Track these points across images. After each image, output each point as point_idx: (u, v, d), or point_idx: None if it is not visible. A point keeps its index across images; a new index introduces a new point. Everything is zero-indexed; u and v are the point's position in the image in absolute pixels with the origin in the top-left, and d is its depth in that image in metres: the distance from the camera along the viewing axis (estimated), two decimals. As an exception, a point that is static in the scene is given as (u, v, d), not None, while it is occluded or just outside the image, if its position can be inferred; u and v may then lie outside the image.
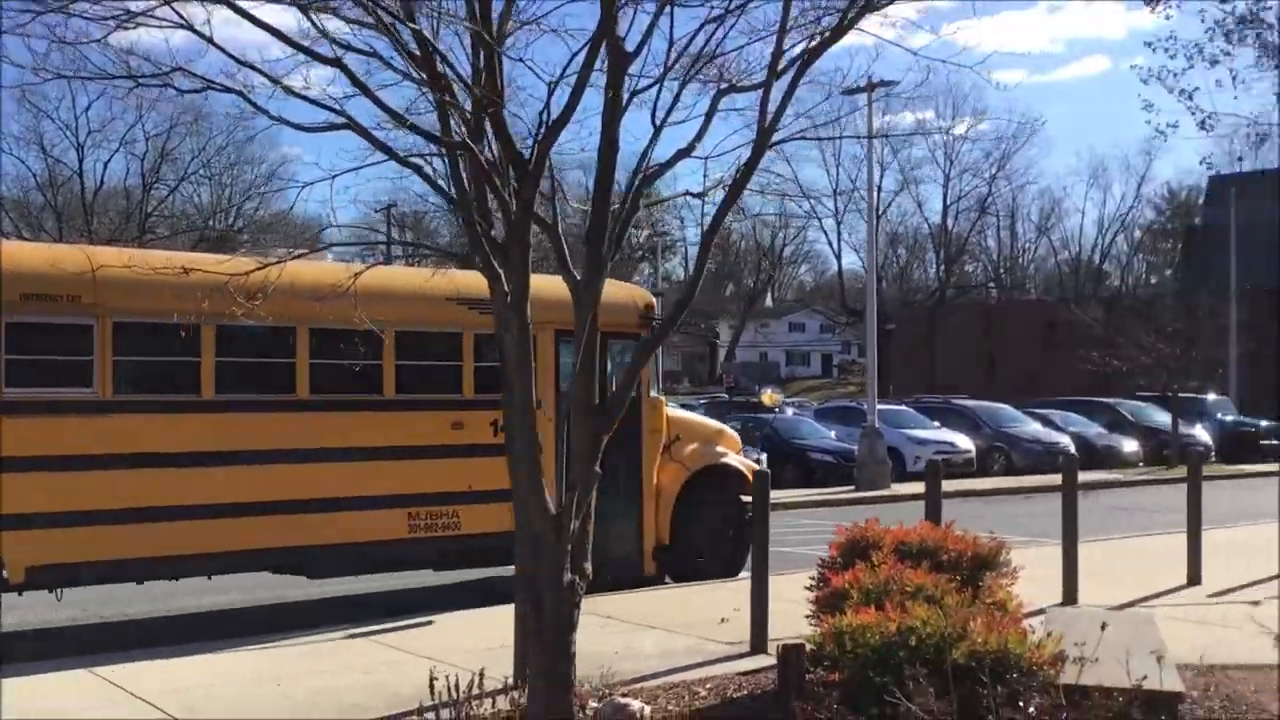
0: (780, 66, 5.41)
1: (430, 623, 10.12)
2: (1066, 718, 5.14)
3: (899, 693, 5.01)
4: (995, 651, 5.57)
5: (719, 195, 6.17)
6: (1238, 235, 46.14)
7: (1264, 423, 34.44)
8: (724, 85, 5.62)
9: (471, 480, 10.95)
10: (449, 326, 11.27)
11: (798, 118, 7.14)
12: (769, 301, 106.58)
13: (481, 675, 6.39)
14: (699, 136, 5.61)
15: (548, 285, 9.49)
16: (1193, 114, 10.22)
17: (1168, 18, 10.09)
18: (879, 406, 26.40)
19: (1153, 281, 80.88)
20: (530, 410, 5.29)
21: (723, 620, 9.92)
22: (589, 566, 5.42)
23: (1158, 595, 11.15)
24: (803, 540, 15.85)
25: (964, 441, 28.12)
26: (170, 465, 9.87)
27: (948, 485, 23.79)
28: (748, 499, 12.34)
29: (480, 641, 9.06)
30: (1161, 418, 31.49)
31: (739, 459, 13.50)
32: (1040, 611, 8.46)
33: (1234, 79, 9.76)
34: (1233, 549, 14.22)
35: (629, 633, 9.68)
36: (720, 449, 13.28)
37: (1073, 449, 28.56)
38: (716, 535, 12.80)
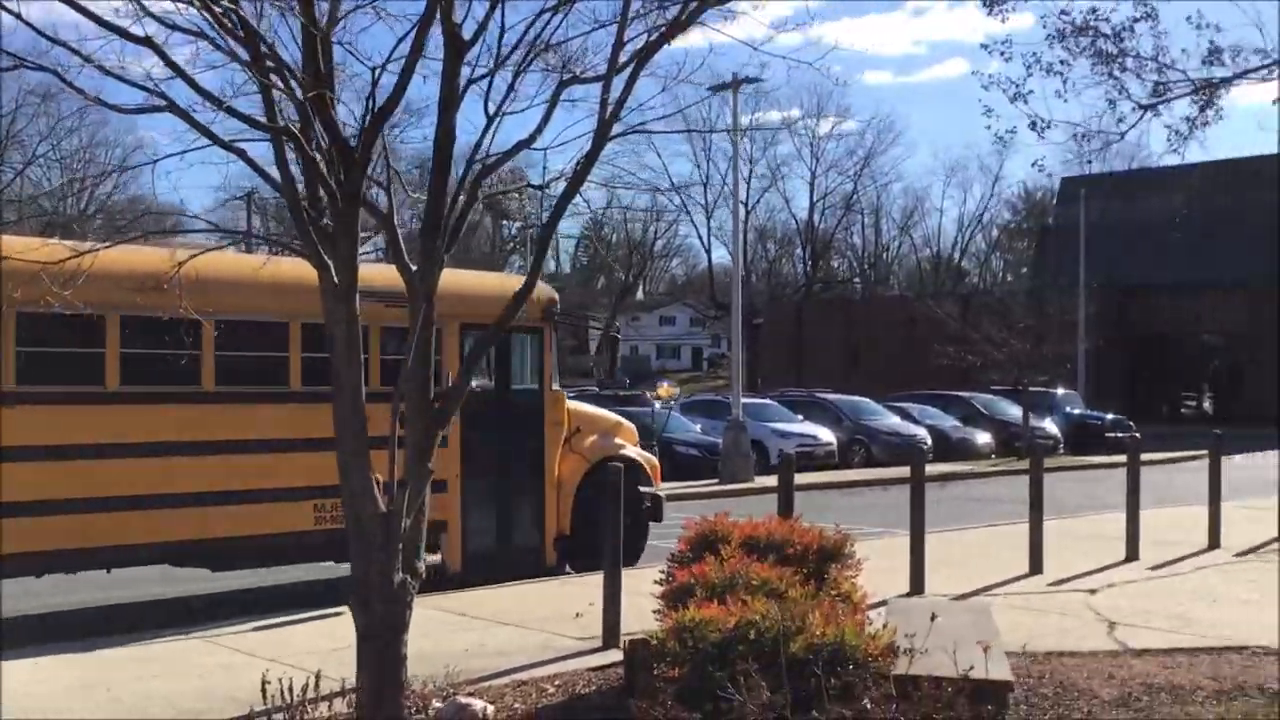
0: (624, 59, 5.36)
1: (282, 623, 9.84)
2: (897, 709, 5.22)
3: (734, 688, 5.01)
4: (832, 644, 5.62)
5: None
6: (1086, 235, 47.96)
7: (1109, 416, 35.88)
8: (566, 76, 5.55)
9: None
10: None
11: (658, 109, 7.14)
12: (640, 295, 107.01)
13: (318, 678, 6.21)
14: (540, 127, 5.52)
15: (460, 279, 10.42)
16: (1032, 121, 10.54)
17: (1003, 20, 10.36)
18: (744, 400, 26.67)
19: (1009, 279, 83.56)
20: (360, 405, 5.14)
21: (577, 615, 9.87)
22: (422, 566, 5.30)
23: (1002, 584, 11.46)
24: (664, 534, 15.90)
25: (826, 434, 28.61)
26: (87, 457, 9.79)
27: (810, 477, 24.49)
28: (646, 489, 13.39)
29: (329, 642, 8.83)
30: (1013, 411, 32.54)
31: (637, 450, 13.78)
32: (884, 602, 8.61)
33: (1064, 85, 10.09)
34: (1075, 538, 14.75)
35: (481, 629, 9.55)
36: (619, 441, 13.60)
37: (929, 441, 29.32)
38: (615, 524, 12.26)
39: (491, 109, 5.30)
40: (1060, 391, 36.25)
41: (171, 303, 7.55)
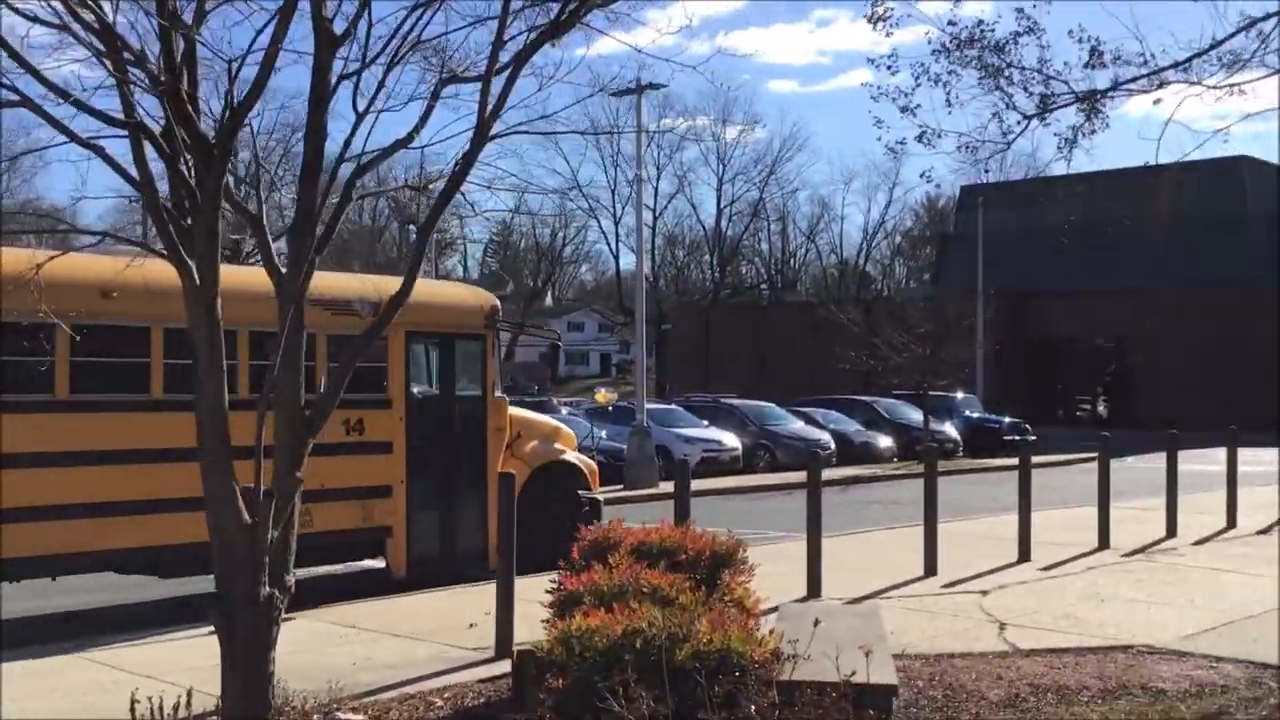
0: (510, 59, 5.25)
1: (164, 639, 9.52)
2: (781, 715, 5.18)
3: (616, 698, 4.92)
4: (718, 651, 5.56)
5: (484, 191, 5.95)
6: (986, 242, 48.95)
7: (1007, 419, 36.60)
8: (446, 74, 5.42)
9: (323, 479, 10.33)
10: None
11: (562, 112, 7.02)
12: (549, 301, 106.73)
13: (190, 695, 5.98)
14: (419, 126, 5.38)
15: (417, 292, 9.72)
16: (920, 133, 10.66)
17: (888, 34, 10.47)
18: (649, 406, 26.65)
19: (913, 285, 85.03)
20: (223, 413, 4.95)
21: (471, 625, 9.71)
22: (291, 579, 5.11)
23: (897, 586, 11.56)
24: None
25: (731, 439, 28.71)
26: (31, 465, 9.73)
27: (716, 483, 24.56)
28: (585, 494, 13.73)
29: (209, 659, 8.54)
30: (914, 415, 33.00)
31: (576, 455, 14.16)
32: (778, 608, 8.60)
33: (949, 97, 10.22)
34: (971, 540, 14.96)
35: (372, 642, 9.34)
36: (559, 446, 13.85)
37: (832, 446, 29.60)
38: (557, 529, 12.37)
39: (362, 106, 5.14)
40: (960, 395, 36.89)
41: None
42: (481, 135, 5.16)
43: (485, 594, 10.83)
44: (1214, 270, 46.70)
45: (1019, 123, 9.84)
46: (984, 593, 11.22)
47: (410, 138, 5.31)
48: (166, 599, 11.96)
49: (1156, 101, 9.48)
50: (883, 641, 6.60)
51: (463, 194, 5.69)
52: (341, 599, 11.20)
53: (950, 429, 33.78)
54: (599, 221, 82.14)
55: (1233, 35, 8.90)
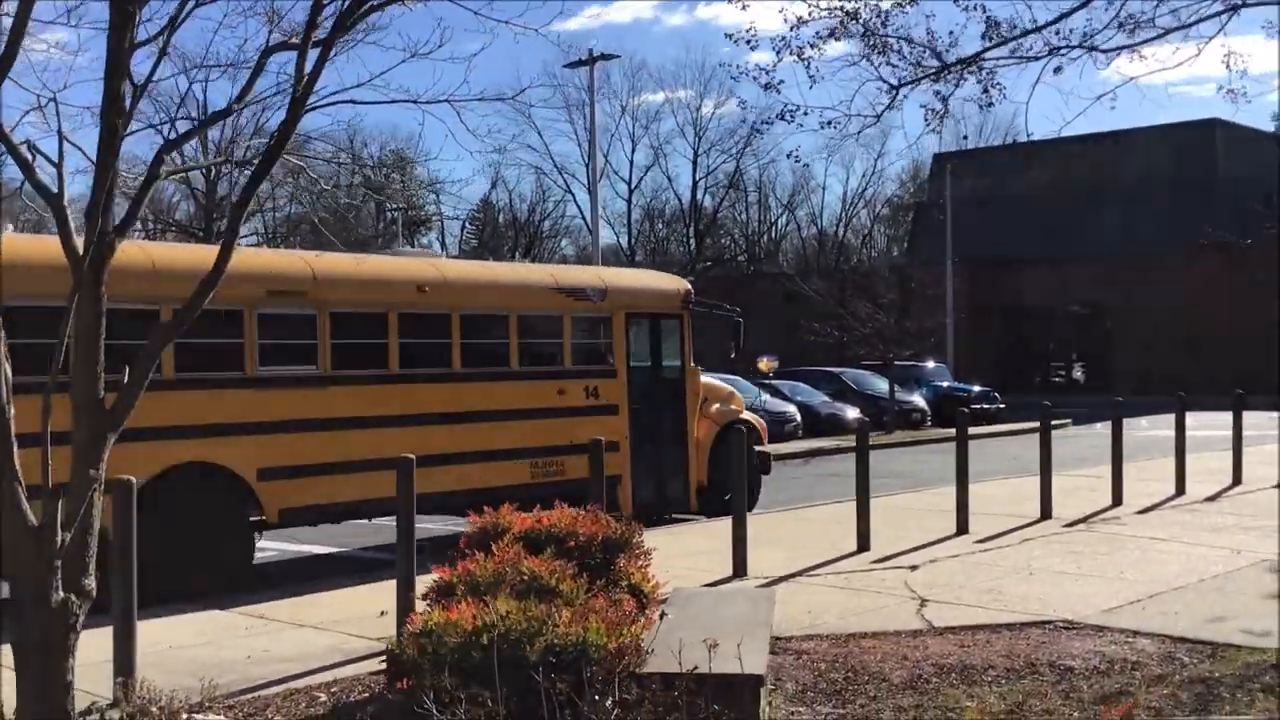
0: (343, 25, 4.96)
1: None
2: (628, 713, 4.97)
3: (453, 701, 4.70)
4: (574, 645, 5.34)
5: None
6: (959, 210, 48.71)
7: (976, 388, 36.49)
8: (271, 44, 5.14)
9: (571, 435, 13.24)
10: (547, 310, 14.02)
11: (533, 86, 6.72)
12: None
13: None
14: (242, 96, 5.09)
15: (618, 282, 14.73)
16: (781, 111, 10.41)
17: (744, 8, 10.16)
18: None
19: (894, 254, 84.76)
20: (5, 414, 4.66)
21: (382, 614, 9.47)
22: (91, 583, 4.85)
23: (827, 563, 11.37)
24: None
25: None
26: (375, 426, 12.11)
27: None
28: (760, 448, 16.36)
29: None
30: (882, 385, 32.84)
31: (750, 414, 16.82)
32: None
33: (809, 72, 9.94)
34: (914, 512, 14.80)
35: (275, 633, 9.11)
36: (734, 407, 16.27)
37: (799, 418, 29.43)
38: (736, 477, 13.85)
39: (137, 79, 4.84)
40: (930, 365, 36.74)
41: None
42: (296, 108, 4.88)
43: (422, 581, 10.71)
44: (1187, 234, 46.49)
45: (887, 92, 9.56)
46: (913, 568, 11.04)
47: (229, 110, 5.04)
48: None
49: (1058, 70, 9.22)
50: (765, 627, 6.38)
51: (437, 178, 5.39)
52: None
53: (918, 399, 33.64)
54: (574, 196, 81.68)
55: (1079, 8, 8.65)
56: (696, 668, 4.96)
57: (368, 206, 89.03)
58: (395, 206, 73.32)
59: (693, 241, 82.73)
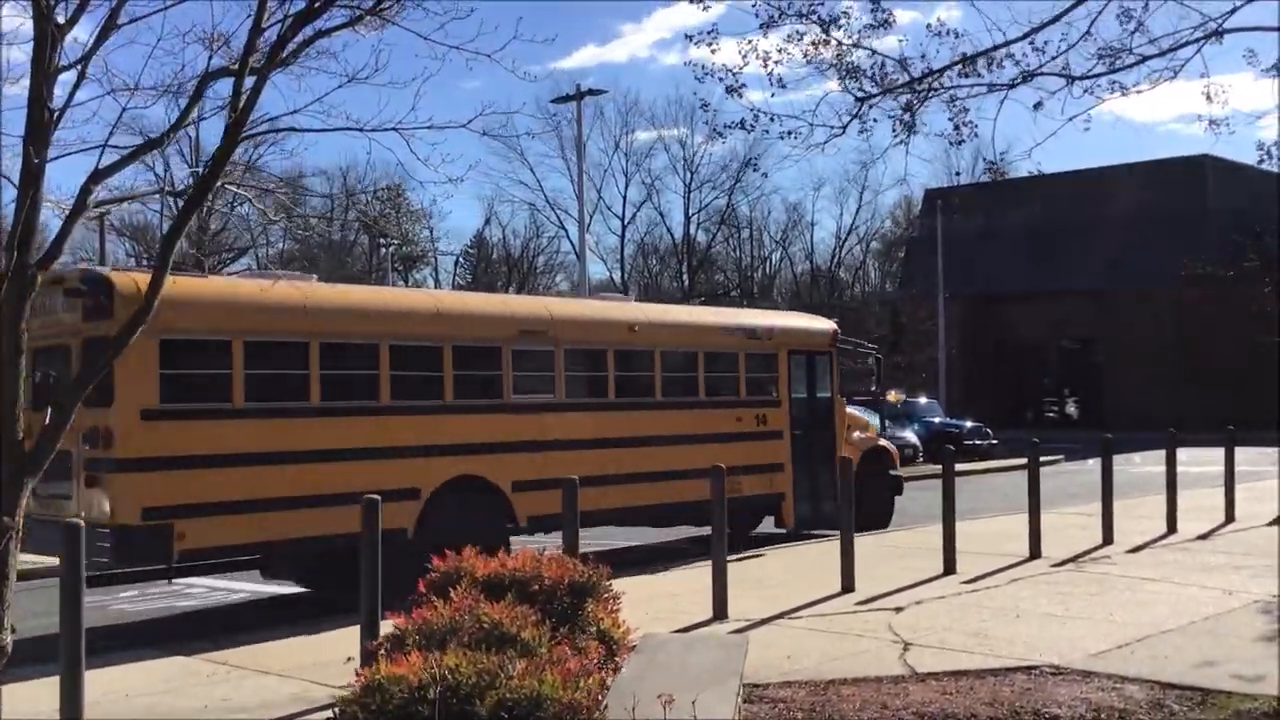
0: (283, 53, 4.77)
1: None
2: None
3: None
4: (528, 698, 5.08)
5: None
6: (951, 246, 48.63)
7: (968, 424, 36.23)
8: (212, 70, 4.94)
9: (746, 457, 15.41)
10: (727, 348, 16.09)
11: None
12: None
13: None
14: (176, 126, 4.89)
15: (779, 323, 17.28)
16: (741, 119, 10.22)
17: (706, 8, 9.97)
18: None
19: (888, 288, 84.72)
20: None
21: (348, 660, 9.15)
22: (7, 637, 4.59)
23: (810, 605, 11.08)
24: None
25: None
26: (598, 447, 14.05)
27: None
28: (895, 471, 18.59)
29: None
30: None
31: (885, 441, 19.07)
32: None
33: (770, 77, 9.75)
34: (901, 552, 14.52)
35: (237, 680, 8.82)
36: (870, 435, 18.47)
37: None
38: (879, 498, 17.83)
39: (54, 105, 4.63)
40: (922, 400, 36.50)
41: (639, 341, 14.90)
42: (234, 134, 4.68)
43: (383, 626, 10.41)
44: (1178, 268, 46.47)
45: (853, 104, 9.37)
46: (898, 609, 10.76)
47: (163, 139, 4.83)
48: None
49: (1038, 105, 9.04)
50: (735, 677, 6.11)
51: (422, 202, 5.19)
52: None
53: (910, 435, 33.32)
54: (567, 231, 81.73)
55: (1048, 23, 8.49)
56: (650, 724, 4.70)
57: (361, 242, 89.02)
58: (389, 241, 73.19)
59: (686, 277, 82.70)
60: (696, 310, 18.42)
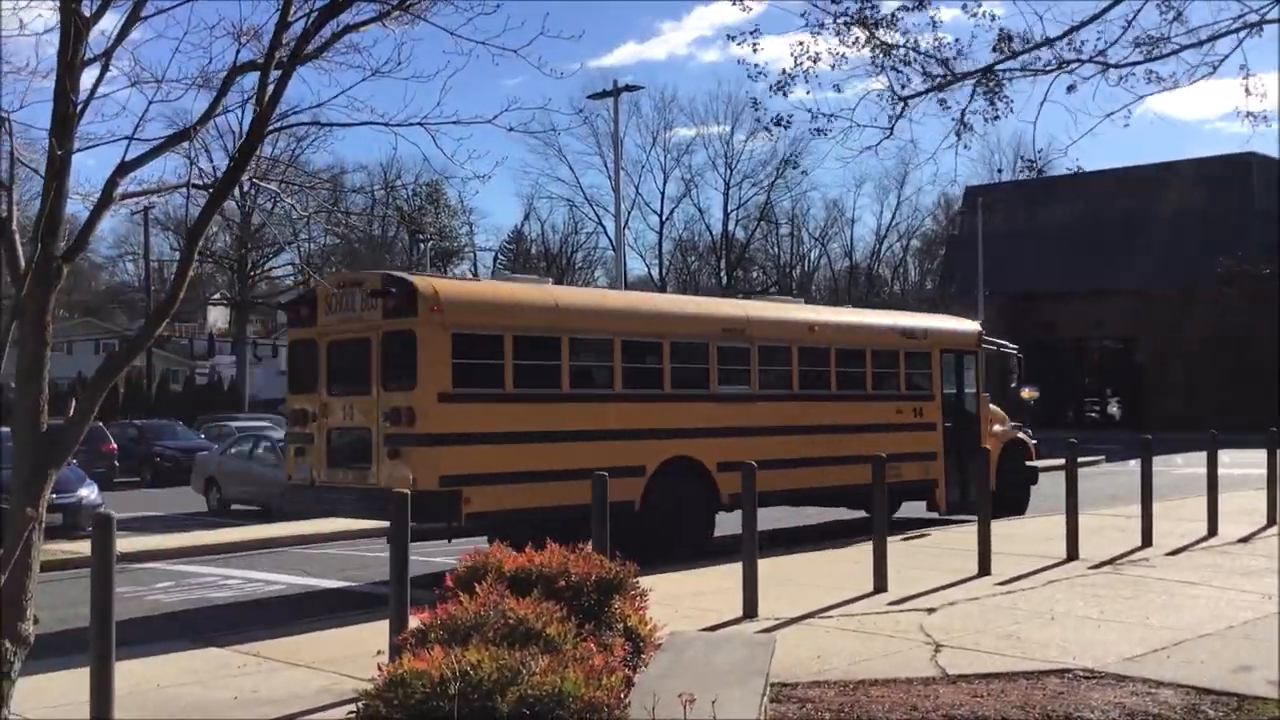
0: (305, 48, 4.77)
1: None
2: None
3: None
4: (550, 695, 5.05)
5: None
6: (993, 243, 48.21)
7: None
8: (240, 64, 4.95)
9: (906, 446, 17.20)
10: (890, 347, 17.79)
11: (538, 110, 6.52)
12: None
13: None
14: (205, 119, 4.91)
15: (933, 325, 19.10)
16: (776, 118, 10.11)
17: (746, 9, 9.88)
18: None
19: (928, 286, 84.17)
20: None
21: (378, 653, 9.18)
22: (29, 629, 4.63)
23: (841, 604, 10.99)
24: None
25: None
26: (782, 434, 15.77)
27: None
28: (1031, 463, 20.01)
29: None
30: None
31: (1023, 434, 20.13)
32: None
33: (806, 76, 9.65)
34: (936, 552, 14.40)
35: (268, 673, 8.87)
36: (1008, 428, 19.92)
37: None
38: (1017, 485, 19.56)
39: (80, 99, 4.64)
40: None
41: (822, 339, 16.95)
42: (260, 126, 4.69)
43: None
44: (1220, 266, 45.79)
45: (895, 103, 9.26)
46: (930, 610, 10.66)
47: (188, 133, 4.85)
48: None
49: (1071, 88, 8.91)
50: (759, 677, 6.07)
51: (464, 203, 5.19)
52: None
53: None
54: (604, 228, 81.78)
55: (1088, 22, 8.33)
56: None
57: (401, 237, 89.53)
58: (428, 236, 73.54)
59: (724, 274, 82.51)
60: (862, 312, 19.98)
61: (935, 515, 18.29)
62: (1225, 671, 8.22)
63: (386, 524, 10.86)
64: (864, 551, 12.33)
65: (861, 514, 17.94)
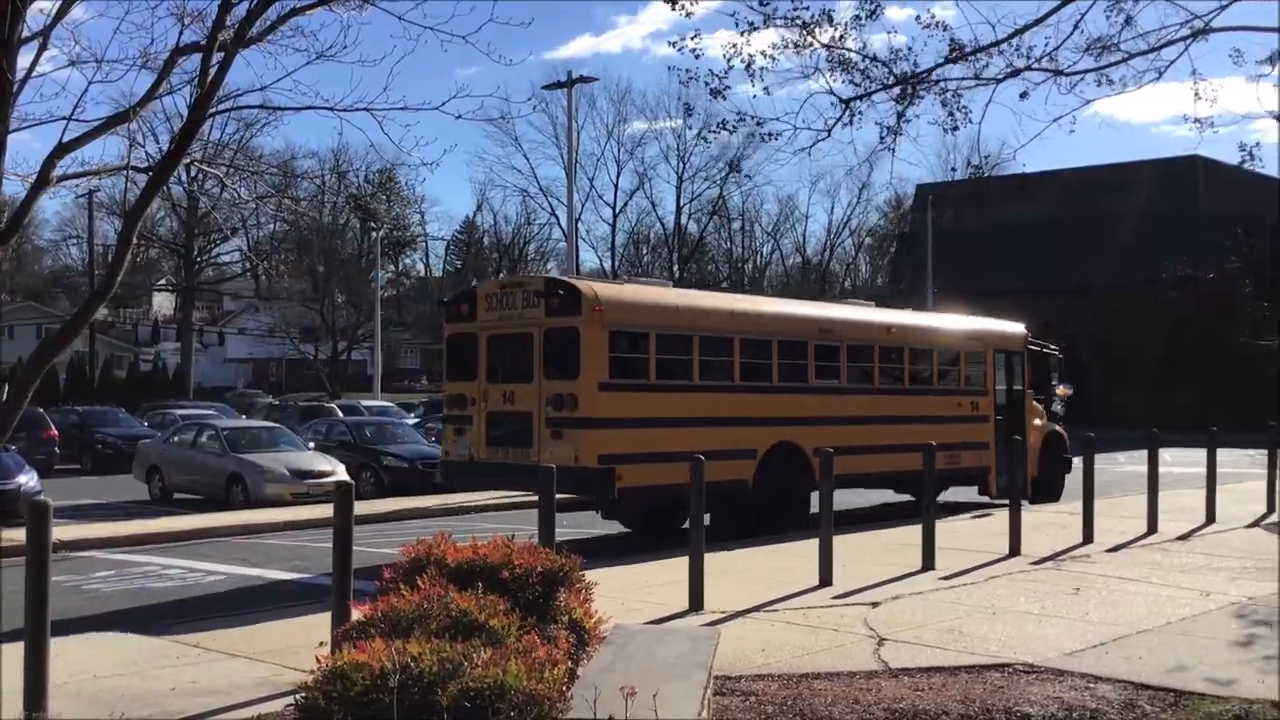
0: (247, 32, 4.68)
1: None
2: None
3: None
4: (491, 688, 5.02)
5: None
6: (945, 242, 48.61)
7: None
8: (182, 45, 4.86)
9: (964, 436, 19.14)
10: (953, 347, 20.06)
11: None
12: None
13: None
14: (145, 101, 4.81)
15: (987, 327, 21.19)
16: (720, 120, 10.16)
17: (688, 15, 9.90)
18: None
19: (878, 283, 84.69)
20: None
21: (320, 645, 9.10)
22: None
23: (787, 598, 11.03)
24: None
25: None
26: (864, 423, 17.56)
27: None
28: (1067, 454, 21.58)
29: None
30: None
31: (1059, 427, 21.98)
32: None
33: (752, 76, 9.67)
34: (882, 547, 14.50)
35: (207, 663, 8.75)
36: (1044, 422, 21.66)
37: None
38: (1054, 474, 21.44)
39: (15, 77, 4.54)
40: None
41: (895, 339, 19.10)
42: (200, 108, 4.59)
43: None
44: (1166, 269, 46.50)
45: (839, 106, 9.30)
46: (874, 604, 10.72)
47: (127, 114, 4.74)
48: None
49: (1024, 95, 8.99)
50: (702, 670, 6.06)
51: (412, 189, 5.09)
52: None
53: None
54: (558, 219, 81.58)
55: (1035, 23, 8.40)
56: (612, 718, 4.65)
57: (353, 225, 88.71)
58: (380, 224, 72.94)
59: (676, 267, 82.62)
60: (928, 315, 21.98)
61: (986, 499, 20.15)
62: (1163, 668, 8.34)
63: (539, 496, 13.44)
64: (809, 547, 12.36)
65: (908, 498, 20.26)
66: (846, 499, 19.26)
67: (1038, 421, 21.40)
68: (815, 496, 16.46)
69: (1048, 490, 20.86)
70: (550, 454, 14.06)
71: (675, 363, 15.50)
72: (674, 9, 9.78)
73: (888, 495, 21.06)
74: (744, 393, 16.22)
